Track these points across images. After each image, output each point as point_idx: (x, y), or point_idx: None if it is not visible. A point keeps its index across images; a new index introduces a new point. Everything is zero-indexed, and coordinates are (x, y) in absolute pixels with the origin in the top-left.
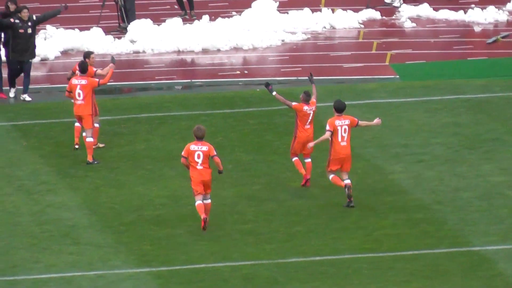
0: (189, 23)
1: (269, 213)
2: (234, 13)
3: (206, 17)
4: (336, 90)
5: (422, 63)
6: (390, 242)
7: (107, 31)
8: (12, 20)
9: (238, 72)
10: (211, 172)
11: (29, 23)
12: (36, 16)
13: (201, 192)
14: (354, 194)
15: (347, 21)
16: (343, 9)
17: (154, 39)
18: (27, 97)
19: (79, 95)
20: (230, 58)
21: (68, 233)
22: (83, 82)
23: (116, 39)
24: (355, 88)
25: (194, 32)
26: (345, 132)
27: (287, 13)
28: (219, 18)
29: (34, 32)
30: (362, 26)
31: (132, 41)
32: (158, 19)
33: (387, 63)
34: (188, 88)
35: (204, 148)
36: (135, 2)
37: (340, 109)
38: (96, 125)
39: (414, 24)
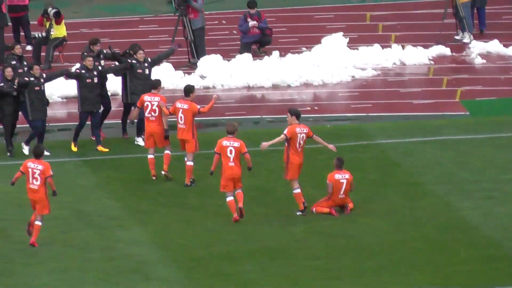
0: (259, 59)
1: (340, 249)
2: (304, 49)
3: (276, 53)
4: (405, 126)
5: (492, 100)
6: (461, 278)
7: (177, 66)
8: (129, 61)
9: (308, 108)
10: (241, 169)
11: (146, 64)
12: (151, 58)
13: (230, 189)
14: (426, 230)
15: (417, 57)
16: (413, 45)
17: (224, 74)
18: (140, 141)
19: (181, 119)
20: (300, 94)
21: (138, 269)
22: (185, 106)
23: (186, 75)
24: (425, 124)
25: (264, 68)
26: (302, 140)
27: (357, 49)
28: (289, 54)
29: (151, 72)
30: (432, 62)
31: (202, 77)
32: (228, 55)
33: (457, 100)
34: (258, 124)
35: (236, 144)
36: (205, 37)
37: (298, 114)
38: (168, 152)
39: (484, 61)
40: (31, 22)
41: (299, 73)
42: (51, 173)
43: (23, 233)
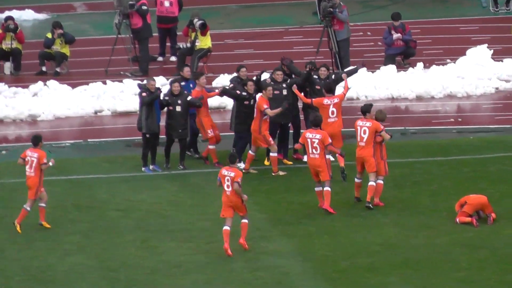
0: (403, 71)
1: (482, 261)
2: (448, 60)
3: (420, 65)
4: None
5: None
6: None
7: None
8: (238, 92)
9: (452, 119)
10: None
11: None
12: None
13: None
14: None
15: None
16: None
17: (368, 86)
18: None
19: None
20: (444, 106)
21: (281, 280)
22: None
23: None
24: None
25: (408, 79)
26: (364, 134)
27: (502, 61)
28: (434, 66)
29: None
30: None
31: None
32: (372, 66)
33: None
34: (403, 136)
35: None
36: (350, 49)
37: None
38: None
39: None
40: (177, 33)
41: (443, 85)
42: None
43: (166, 244)
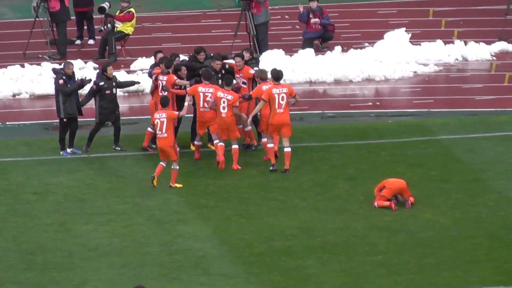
0: (321, 54)
1: (400, 245)
2: (366, 44)
3: (338, 48)
4: (468, 122)
5: None
6: None
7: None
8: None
9: (370, 103)
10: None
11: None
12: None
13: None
14: (487, 226)
15: (479, 53)
16: (476, 41)
17: (286, 69)
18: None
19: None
20: (362, 89)
21: (198, 264)
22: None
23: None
24: (487, 120)
25: (327, 63)
26: (282, 100)
27: (420, 44)
28: (352, 49)
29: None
30: (495, 58)
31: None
32: (290, 50)
33: None
34: (320, 119)
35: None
36: (268, 32)
37: (277, 77)
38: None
39: None
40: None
41: (361, 68)
42: None
43: (83, 227)
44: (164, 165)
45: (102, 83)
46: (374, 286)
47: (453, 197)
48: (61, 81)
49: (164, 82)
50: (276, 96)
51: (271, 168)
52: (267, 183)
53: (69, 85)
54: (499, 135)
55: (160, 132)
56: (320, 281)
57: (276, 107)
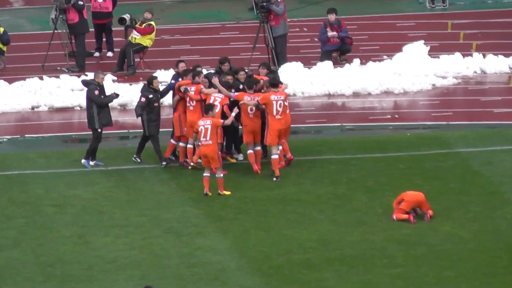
0: (340, 67)
1: (419, 257)
2: (385, 57)
3: (357, 61)
4: (486, 135)
5: None
6: None
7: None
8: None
9: (389, 116)
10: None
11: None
12: None
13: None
14: (506, 239)
15: (498, 66)
16: (494, 54)
17: (304, 82)
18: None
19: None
20: (380, 102)
21: (217, 276)
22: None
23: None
24: (505, 133)
25: (345, 76)
26: (280, 107)
27: (438, 57)
28: (370, 62)
29: None
30: None
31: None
32: (308, 63)
33: None
34: (339, 132)
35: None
36: (287, 45)
37: (274, 84)
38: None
39: None
40: (112, 29)
41: (379, 81)
42: None
43: (102, 239)
44: (209, 175)
45: (151, 96)
46: None
47: (472, 209)
48: (96, 92)
49: (193, 93)
50: (274, 103)
51: (274, 179)
52: (286, 196)
53: (102, 96)
54: None
55: (204, 139)
56: None
57: (274, 113)
